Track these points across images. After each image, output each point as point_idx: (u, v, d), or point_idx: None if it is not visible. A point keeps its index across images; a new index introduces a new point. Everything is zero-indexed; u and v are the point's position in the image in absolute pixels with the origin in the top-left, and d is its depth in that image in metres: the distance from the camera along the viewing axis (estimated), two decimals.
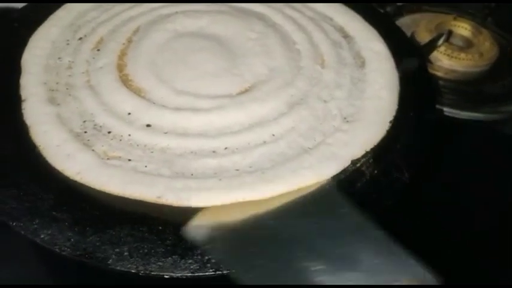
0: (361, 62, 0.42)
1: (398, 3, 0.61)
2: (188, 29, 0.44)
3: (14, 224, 0.29)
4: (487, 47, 0.55)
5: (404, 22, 0.60)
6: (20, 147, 0.34)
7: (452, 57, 0.53)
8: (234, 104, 0.37)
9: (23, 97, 0.37)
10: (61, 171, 0.32)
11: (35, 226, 0.29)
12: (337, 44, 0.44)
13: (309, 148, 0.34)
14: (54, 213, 0.29)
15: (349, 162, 0.33)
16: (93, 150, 0.33)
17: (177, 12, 0.46)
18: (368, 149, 0.34)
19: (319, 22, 0.46)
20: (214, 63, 0.40)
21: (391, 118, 0.37)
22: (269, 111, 0.37)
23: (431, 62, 0.53)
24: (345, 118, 0.37)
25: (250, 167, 0.33)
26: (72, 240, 0.28)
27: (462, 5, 0.64)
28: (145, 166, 0.32)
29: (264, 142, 0.34)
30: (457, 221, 0.41)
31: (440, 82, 0.53)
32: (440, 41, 0.52)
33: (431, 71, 0.52)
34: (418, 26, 0.57)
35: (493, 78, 0.55)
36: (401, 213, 0.35)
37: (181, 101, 0.37)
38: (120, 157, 0.33)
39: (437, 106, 0.47)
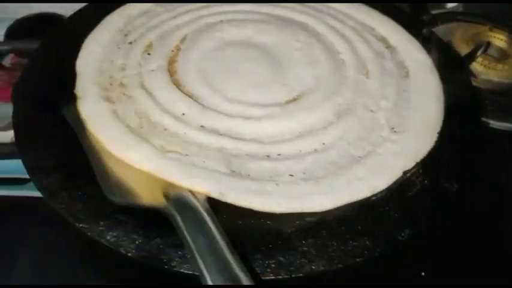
0: (405, 73, 0.43)
1: (433, 12, 0.61)
2: (234, 38, 0.45)
3: (81, 225, 0.30)
4: None
5: (439, 31, 0.60)
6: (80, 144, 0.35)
7: (489, 68, 0.54)
8: (284, 113, 0.38)
9: (78, 95, 0.38)
10: (121, 159, 0.33)
11: (101, 228, 0.30)
12: (380, 54, 0.45)
13: (360, 157, 0.35)
14: (118, 215, 0.31)
15: (401, 174, 0.34)
16: (150, 143, 0.34)
17: (222, 21, 0.47)
18: (418, 160, 0.35)
19: (361, 32, 0.47)
20: (262, 72, 0.42)
21: (438, 129, 0.38)
22: (318, 120, 0.38)
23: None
24: (392, 128, 0.38)
25: (304, 173, 0.33)
26: (137, 242, 0.29)
27: (496, 15, 0.64)
28: (204, 161, 0.33)
29: (315, 150, 0.35)
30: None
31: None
32: (479, 52, 0.52)
33: None
34: (454, 36, 0.58)
35: None
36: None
37: (233, 109, 0.38)
38: (177, 151, 0.34)
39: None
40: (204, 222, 0.29)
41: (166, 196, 0.31)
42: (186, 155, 0.34)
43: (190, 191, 0.31)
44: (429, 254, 0.37)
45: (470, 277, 0.37)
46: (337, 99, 0.39)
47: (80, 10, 0.50)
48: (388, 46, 0.46)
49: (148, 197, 0.31)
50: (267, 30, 0.46)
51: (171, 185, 0.32)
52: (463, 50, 0.55)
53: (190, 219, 0.29)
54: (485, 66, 0.54)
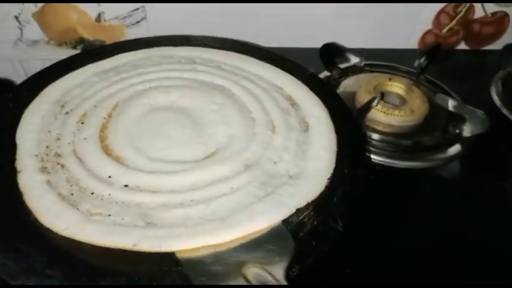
0: (305, 127, 0.51)
1: (340, 66, 0.70)
2: (160, 104, 0.52)
3: (14, 283, 0.35)
4: (418, 104, 0.63)
5: (349, 83, 0.69)
6: (18, 214, 0.40)
7: (388, 114, 0.61)
8: (200, 167, 0.44)
9: (18, 169, 0.44)
10: (50, 228, 0.38)
11: (32, 284, 0.35)
12: (286, 111, 0.52)
13: (262, 196, 0.42)
14: (47, 271, 0.35)
15: (294, 210, 0.41)
16: (78, 209, 0.40)
17: (150, 88, 0.54)
18: (310, 201, 0.42)
19: (270, 92, 0.55)
20: (183, 133, 0.48)
21: (328, 175, 0.45)
22: (229, 171, 0.44)
23: (369, 121, 0.61)
24: (291, 176, 0.44)
25: (212, 215, 0.40)
26: None
27: (396, 63, 0.74)
28: (123, 219, 0.39)
29: (224, 194, 0.42)
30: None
31: (380, 136, 0.61)
32: (375, 103, 0.60)
33: (371, 126, 0.61)
34: (360, 86, 0.66)
35: (426, 130, 0.62)
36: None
37: (154, 166, 0.44)
38: (101, 213, 0.40)
39: (376, 158, 0.56)
40: None
41: (245, 277, 0.34)
42: (109, 215, 0.39)
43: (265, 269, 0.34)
44: None
45: None
46: (246, 153, 0.46)
47: (24, 81, 0.56)
48: (293, 103, 0.54)
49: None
50: (189, 94, 0.53)
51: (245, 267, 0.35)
52: (366, 99, 0.62)
53: None
54: (384, 113, 0.61)
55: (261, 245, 0.37)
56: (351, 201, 0.43)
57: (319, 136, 0.49)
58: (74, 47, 0.78)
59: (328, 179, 0.44)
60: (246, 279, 0.34)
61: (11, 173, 0.43)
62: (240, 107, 0.52)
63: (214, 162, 0.45)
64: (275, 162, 0.46)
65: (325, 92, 0.56)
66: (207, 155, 0.46)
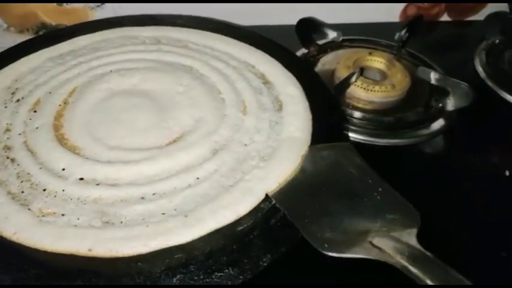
0: (279, 106, 0.47)
1: (319, 42, 0.67)
2: (122, 87, 0.48)
3: None
4: (399, 79, 0.60)
5: (328, 60, 0.66)
6: None
7: (368, 90, 0.58)
8: (163, 154, 0.41)
9: None
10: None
11: None
12: (258, 91, 0.49)
13: (230, 186, 0.38)
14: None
15: (264, 196, 0.37)
16: (29, 209, 0.36)
17: (111, 71, 0.50)
18: (281, 181, 0.38)
19: (242, 71, 0.51)
20: (145, 119, 0.45)
21: (302, 153, 0.41)
22: (194, 158, 0.41)
23: (348, 98, 0.58)
24: (262, 157, 0.41)
25: (175, 209, 0.36)
26: None
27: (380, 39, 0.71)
28: (78, 219, 0.35)
29: (189, 185, 0.38)
30: None
31: (361, 113, 0.57)
32: (353, 79, 0.57)
33: (351, 103, 0.58)
34: (339, 63, 0.63)
35: (408, 106, 0.59)
36: None
37: (113, 155, 0.41)
38: (54, 213, 0.36)
39: (356, 137, 0.53)
40: (424, 256, 0.31)
41: (373, 245, 0.33)
42: (63, 214, 0.36)
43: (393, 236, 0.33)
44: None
45: None
46: (214, 137, 0.43)
47: None
48: (266, 82, 0.50)
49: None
50: (153, 77, 0.49)
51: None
52: (345, 75, 0.59)
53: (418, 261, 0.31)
54: (364, 89, 0.59)
55: (379, 214, 0.36)
56: None
57: (293, 116, 0.45)
58: (36, 33, 0.73)
59: (301, 157, 0.41)
60: (375, 246, 0.33)
61: None
62: (208, 88, 0.49)
63: (179, 149, 0.41)
64: (245, 145, 0.42)
65: (301, 69, 0.52)
66: (172, 140, 0.43)
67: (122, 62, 0.52)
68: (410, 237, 0.33)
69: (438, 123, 0.56)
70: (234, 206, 0.36)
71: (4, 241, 0.34)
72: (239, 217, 0.36)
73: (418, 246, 0.33)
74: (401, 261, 0.31)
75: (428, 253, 0.32)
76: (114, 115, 0.45)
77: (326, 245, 0.33)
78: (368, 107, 0.59)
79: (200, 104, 0.46)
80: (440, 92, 0.58)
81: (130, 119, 0.44)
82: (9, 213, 0.35)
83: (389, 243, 0.33)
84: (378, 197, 0.37)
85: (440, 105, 0.57)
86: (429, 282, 0.30)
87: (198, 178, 0.39)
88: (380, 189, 0.38)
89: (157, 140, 0.43)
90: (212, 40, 0.56)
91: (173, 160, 0.40)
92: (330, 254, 0.33)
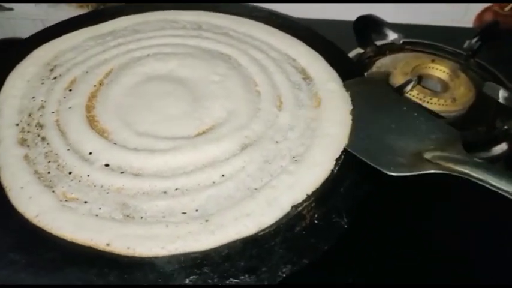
0: (317, 103, 0.44)
1: (377, 43, 0.61)
2: (157, 72, 0.47)
3: None
4: (462, 92, 0.55)
5: (385, 63, 0.61)
6: None
7: (424, 101, 0.53)
8: (190, 145, 0.39)
9: None
10: (22, 213, 0.34)
11: None
12: (297, 86, 0.46)
13: (255, 189, 0.36)
14: (10, 254, 0.32)
15: (289, 208, 0.35)
16: (53, 191, 0.36)
17: (148, 55, 0.49)
18: (309, 193, 0.36)
19: (281, 63, 0.49)
20: (177, 107, 0.43)
21: (337, 155, 0.39)
22: (222, 152, 0.39)
23: None
24: (293, 157, 0.39)
25: (197, 210, 0.35)
26: (24, 281, 0.31)
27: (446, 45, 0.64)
28: (100, 208, 0.35)
29: (214, 183, 0.36)
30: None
31: None
32: (409, 87, 0.52)
33: None
34: (396, 68, 0.58)
35: (468, 124, 0.53)
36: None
37: (141, 142, 0.40)
38: (77, 199, 0.35)
39: None
40: (481, 163, 0.35)
41: (430, 161, 0.36)
42: (85, 202, 0.35)
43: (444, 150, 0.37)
44: None
45: None
46: (245, 131, 0.41)
47: (19, 42, 0.52)
48: (306, 77, 0.47)
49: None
50: (190, 63, 0.48)
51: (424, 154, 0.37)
52: (400, 82, 0.54)
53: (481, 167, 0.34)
54: (420, 99, 0.53)
55: (425, 135, 0.39)
56: (362, 194, 0.37)
57: (331, 112, 0.42)
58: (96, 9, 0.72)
59: (336, 161, 0.38)
60: (433, 163, 0.36)
61: None
62: (244, 79, 0.46)
63: (207, 141, 0.39)
64: (277, 142, 0.40)
65: (347, 68, 0.49)
66: (201, 131, 0.41)
67: (160, 46, 0.50)
68: (459, 150, 0.37)
69: (500, 148, 0.51)
70: (258, 216, 0.34)
71: (25, 222, 0.34)
72: (261, 229, 0.33)
73: (471, 157, 0.36)
74: (463, 170, 0.34)
75: (482, 161, 0.35)
76: (146, 100, 0.44)
77: (392, 168, 0.36)
78: None
79: (234, 95, 0.44)
80: (508, 113, 0.52)
81: (162, 106, 0.43)
82: (33, 194, 0.35)
83: (445, 158, 0.36)
84: (417, 121, 0.41)
85: (506, 127, 0.51)
86: (493, 183, 0.33)
87: (223, 175, 0.37)
88: (416, 114, 0.41)
89: (187, 130, 0.41)
90: (253, 29, 0.54)
91: (200, 153, 0.39)
92: (398, 174, 0.36)
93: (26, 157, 0.38)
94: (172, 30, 0.53)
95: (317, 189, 0.36)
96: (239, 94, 0.44)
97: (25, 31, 0.73)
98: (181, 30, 0.53)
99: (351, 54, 0.61)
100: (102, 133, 0.41)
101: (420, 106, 0.44)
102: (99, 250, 0.32)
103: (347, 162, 0.39)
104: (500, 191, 0.33)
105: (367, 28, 0.62)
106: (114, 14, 0.56)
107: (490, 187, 0.33)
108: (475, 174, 0.34)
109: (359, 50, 0.62)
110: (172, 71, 0.47)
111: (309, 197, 0.36)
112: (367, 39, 0.61)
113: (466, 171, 0.34)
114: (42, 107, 0.43)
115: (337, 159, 0.39)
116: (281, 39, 0.52)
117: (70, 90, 0.45)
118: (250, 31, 0.54)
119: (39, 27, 0.73)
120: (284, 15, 0.62)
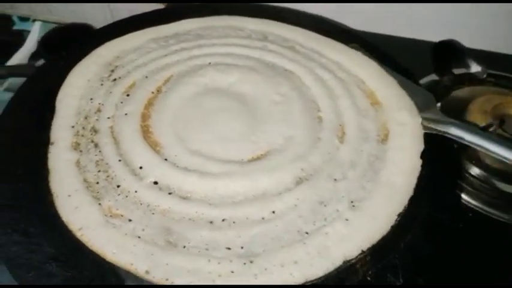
0: (384, 135, 0.41)
1: (455, 71, 0.55)
2: (217, 85, 0.45)
3: (13, 272, 0.31)
4: None
5: (462, 94, 0.54)
6: (37, 193, 0.36)
7: None
8: (242, 172, 0.37)
9: (51, 140, 0.40)
10: (65, 223, 0.34)
11: (30, 277, 0.31)
12: (363, 112, 0.43)
13: (306, 233, 0.33)
14: (49, 267, 0.31)
15: (341, 263, 0.32)
16: (100, 204, 0.35)
17: (209, 64, 0.47)
18: (365, 249, 0.32)
19: (349, 86, 0.45)
20: (234, 126, 0.41)
21: (400, 210, 0.35)
22: (275, 185, 0.36)
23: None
24: (351, 202, 0.35)
25: (242, 247, 0.32)
26: None
27: None
28: (143, 230, 0.33)
29: (262, 219, 0.34)
30: None
31: (483, 172, 0.45)
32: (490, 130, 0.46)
33: (474, 155, 0.46)
34: (473, 103, 0.50)
35: None
36: None
37: (192, 162, 0.38)
38: (122, 215, 0.34)
39: (470, 201, 0.44)
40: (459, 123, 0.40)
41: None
42: (129, 220, 0.34)
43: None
44: None
45: None
46: (302, 163, 0.38)
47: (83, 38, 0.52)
48: (375, 102, 0.44)
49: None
50: (251, 79, 0.45)
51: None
52: (478, 121, 0.47)
53: None
54: None
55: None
56: (422, 253, 0.33)
57: (399, 152, 0.39)
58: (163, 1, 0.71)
59: (398, 216, 0.35)
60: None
61: (45, 144, 0.39)
62: (306, 102, 0.43)
63: (260, 169, 0.37)
64: (335, 180, 0.37)
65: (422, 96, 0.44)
66: (255, 156, 0.39)
67: (222, 56, 0.48)
68: (436, 112, 0.42)
69: None
70: (306, 266, 0.31)
71: (67, 233, 0.33)
72: (308, 280, 0.31)
73: (447, 118, 0.41)
74: (441, 129, 0.40)
75: (457, 120, 0.41)
76: (203, 115, 0.42)
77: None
78: (495, 166, 0.46)
79: (294, 120, 0.41)
80: None
81: (219, 123, 0.41)
82: (80, 204, 0.35)
83: (426, 119, 0.41)
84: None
85: None
86: (467, 138, 0.39)
87: (273, 212, 0.34)
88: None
89: (241, 153, 0.39)
90: (321, 44, 0.51)
91: (251, 181, 0.36)
92: None
93: (78, 163, 0.38)
94: (237, 39, 0.50)
95: (373, 245, 0.33)
96: (299, 119, 0.42)
97: (92, 17, 0.73)
98: (246, 39, 0.51)
99: (423, 81, 0.55)
100: (154, 146, 0.39)
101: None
102: (138, 277, 0.31)
103: (410, 215, 0.35)
104: (473, 145, 0.39)
105: (447, 55, 0.56)
106: (178, 16, 0.54)
107: (465, 142, 0.39)
108: (452, 132, 0.39)
109: (434, 77, 0.56)
110: (232, 85, 0.45)
111: (363, 251, 0.32)
112: (445, 66, 0.55)
113: (444, 130, 0.40)
114: (99, 110, 0.43)
115: (399, 215, 0.35)
116: (350, 58, 0.48)
117: (128, 95, 0.44)
118: (318, 47, 0.50)
119: (107, 14, 0.74)
120: (353, 30, 0.58)
